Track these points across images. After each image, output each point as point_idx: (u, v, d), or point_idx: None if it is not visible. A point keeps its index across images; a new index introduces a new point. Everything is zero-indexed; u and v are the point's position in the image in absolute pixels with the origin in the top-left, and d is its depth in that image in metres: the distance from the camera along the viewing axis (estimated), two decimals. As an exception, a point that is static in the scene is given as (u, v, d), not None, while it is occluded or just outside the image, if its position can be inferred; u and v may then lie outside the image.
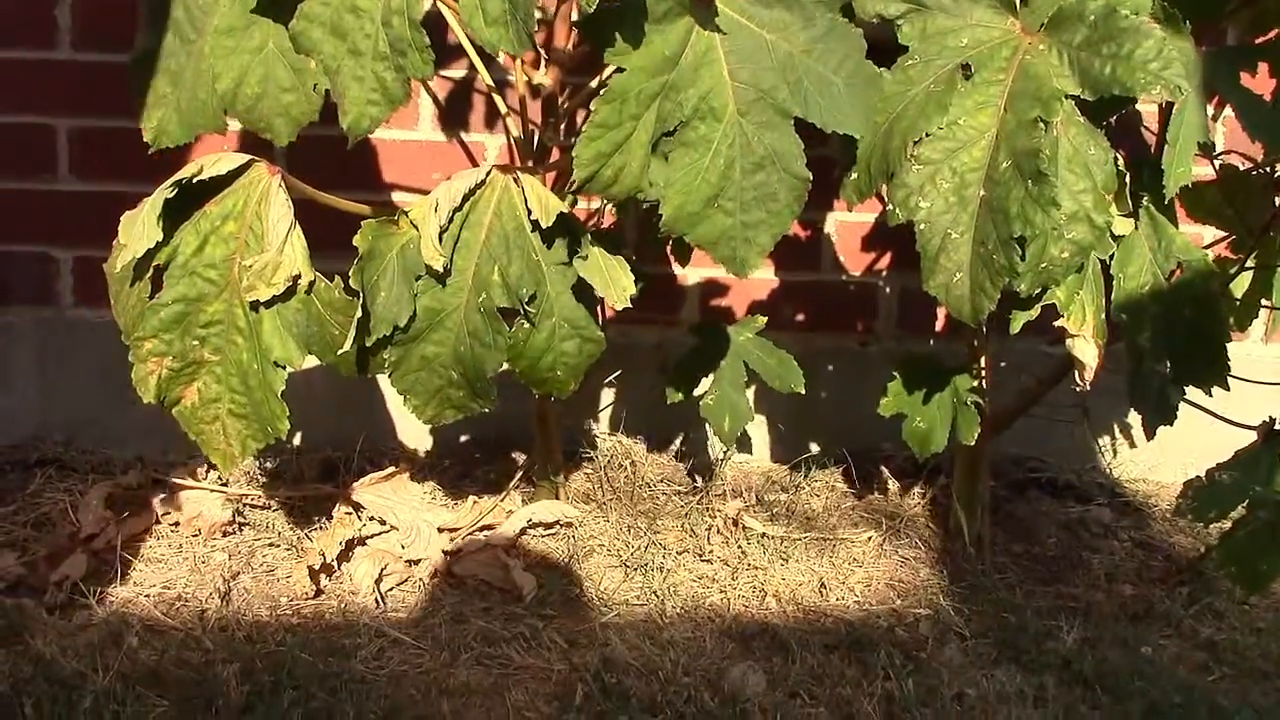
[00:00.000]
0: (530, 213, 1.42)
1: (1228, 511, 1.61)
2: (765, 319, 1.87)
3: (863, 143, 1.40)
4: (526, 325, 1.46)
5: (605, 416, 2.09)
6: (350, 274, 1.41)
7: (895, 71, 1.39)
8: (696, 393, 1.85)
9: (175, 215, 1.39)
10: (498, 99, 1.65)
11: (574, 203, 1.46)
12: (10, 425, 1.98)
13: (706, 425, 2.01)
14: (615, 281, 1.45)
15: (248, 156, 1.43)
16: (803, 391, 1.82)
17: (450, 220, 1.41)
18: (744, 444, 2.05)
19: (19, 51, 1.92)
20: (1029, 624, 1.65)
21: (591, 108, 1.33)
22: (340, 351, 1.42)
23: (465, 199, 1.42)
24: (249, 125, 1.46)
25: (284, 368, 1.43)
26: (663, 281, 2.04)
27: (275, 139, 1.45)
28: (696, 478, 2.00)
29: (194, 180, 1.38)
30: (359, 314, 1.40)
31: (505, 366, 1.49)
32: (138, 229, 1.37)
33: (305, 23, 1.31)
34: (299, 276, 1.40)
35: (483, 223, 1.43)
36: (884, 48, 1.42)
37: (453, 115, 1.98)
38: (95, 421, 1.97)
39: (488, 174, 1.45)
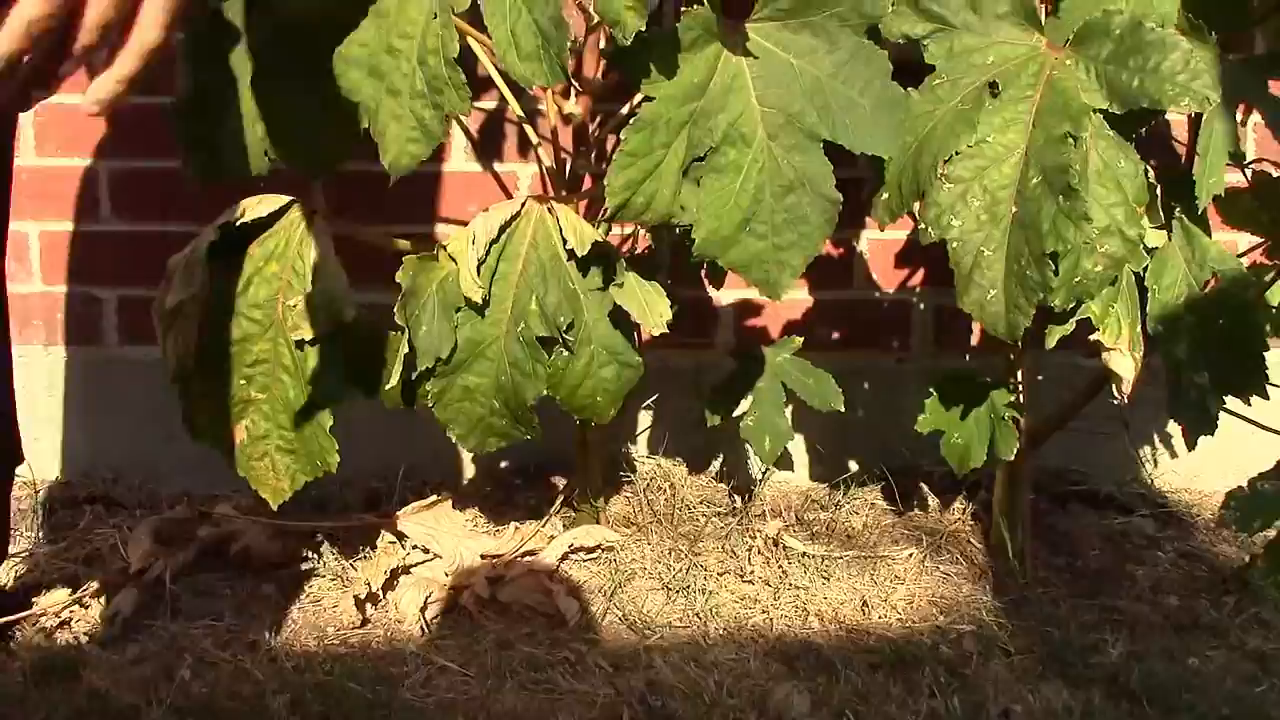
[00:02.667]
0: (565, 242, 1.44)
1: (1272, 520, 1.60)
2: (801, 339, 1.87)
3: (892, 163, 1.42)
4: (565, 353, 1.47)
5: (643, 439, 2.10)
6: (395, 310, 1.43)
7: (923, 91, 1.40)
8: (735, 414, 1.86)
9: (220, 257, 1.42)
10: (529, 129, 1.67)
11: (608, 229, 1.48)
12: (59, 463, 2.02)
13: (745, 446, 2.02)
14: (651, 307, 1.47)
15: (288, 198, 1.46)
16: (842, 409, 1.83)
17: (487, 252, 1.44)
18: (782, 463, 2.06)
19: (60, 96, 1.96)
20: (1074, 638, 1.65)
21: (622, 136, 1.34)
22: (387, 387, 1.44)
23: (501, 231, 1.44)
24: (288, 163, 1.49)
25: (330, 404, 1.45)
26: (698, 304, 2.05)
27: (313, 177, 1.48)
28: (736, 498, 2.01)
29: (237, 223, 1.41)
30: (404, 349, 1.42)
31: (545, 393, 1.51)
32: (184, 272, 1.40)
33: (343, 65, 1.34)
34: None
35: (519, 254, 1.45)
36: (911, 68, 1.43)
37: (485, 146, 2.00)
38: (141, 457, 2.00)
39: (523, 205, 1.47)
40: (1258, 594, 1.75)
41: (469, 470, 2.07)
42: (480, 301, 1.44)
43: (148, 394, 1.88)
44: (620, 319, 1.48)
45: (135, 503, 1.95)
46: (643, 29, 1.28)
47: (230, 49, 1.46)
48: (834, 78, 1.36)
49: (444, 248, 1.47)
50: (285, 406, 1.46)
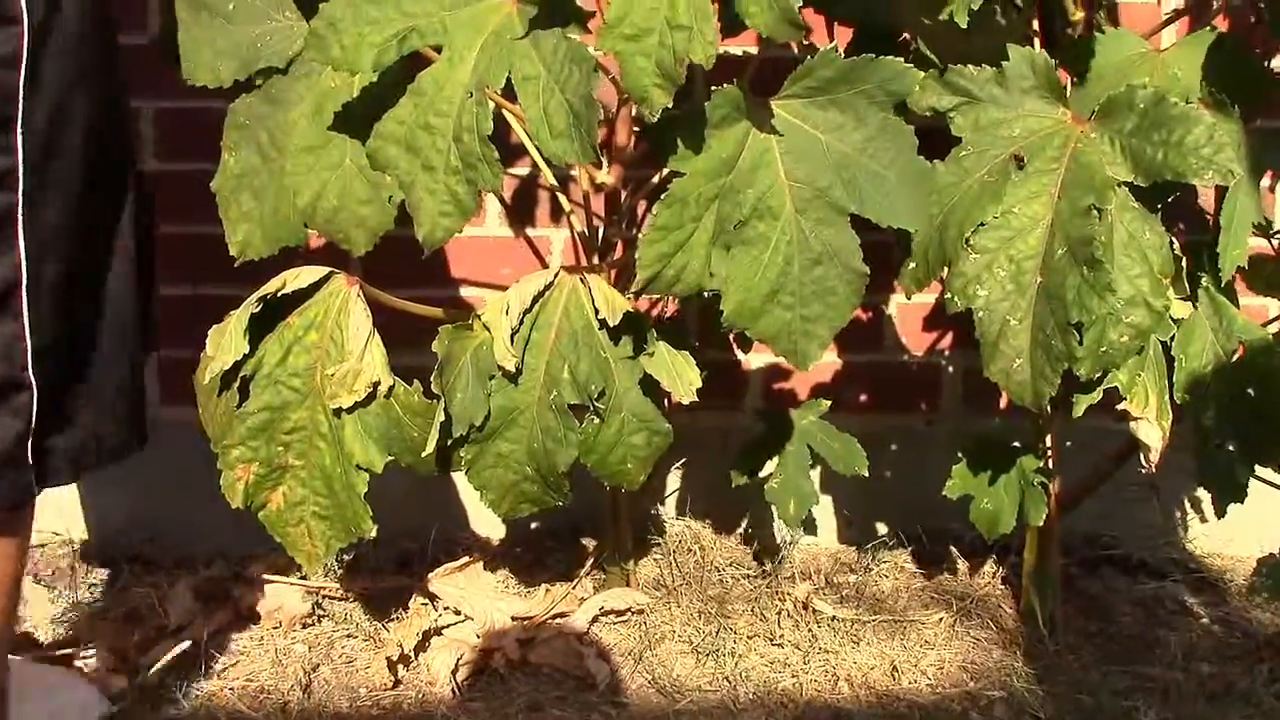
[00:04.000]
0: (598, 311, 1.47)
1: (1303, 587, 1.60)
2: (829, 402, 1.89)
3: (919, 233, 1.43)
4: (596, 420, 1.49)
5: (672, 502, 2.11)
6: (432, 379, 1.46)
7: (949, 163, 1.42)
8: (761, 475, 1.87)
9: (259, 327, 1.46)
10: (561, 197, 1.70)
11: (638, 295, 1.50)
12: (98, 523, 2.04)
13: (773, 508, 2.03)
14: (681, 376, 1.49)
15: (328, 269, 1.50)
16: (866, 474, 1.84)
17: (521, 322, 1.46)
18: (811, 526, 2.06)
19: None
20: (1106, 704, 1.64)
21: (653, 211, 1.37)
22: (424, 454, 1.46)
23: (535, 300, 1.47)
24: (328, 236, 1.53)
25: (366, 471, 1.48)
26: (727, 367, 2.06)
27: (353, 249, 1.51)
28: (765, 561, 2.01)
29: (278, 295, 1.44)
30: (440, 416, 1.45)
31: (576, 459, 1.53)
32: (225, 341, 1.43)
33: (380, 141, 1.37)
34: (379, 383, 1.45)
35: (552, 323, 1.48)
36: (938, 135, 1.45)
37: (518, 212, 2.03)
38: (178, 517, 2.02)
39: (556, 275, 1.50)
40: (1292, 661, 1.74)
41: (500, 531, 2.08)
42: (514, 370, 1.46)
43: (186, 454, 1.90)
44: (650, 386, 1.50)
45: (171, 562, 1.97)
46: (669, 105, 1.31)
47: (273, 126, 1.50)
48: (861, 153, 1.39)
49: (479, 316, 1.50)
50: (322, 473, 1.49)
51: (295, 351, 1.47)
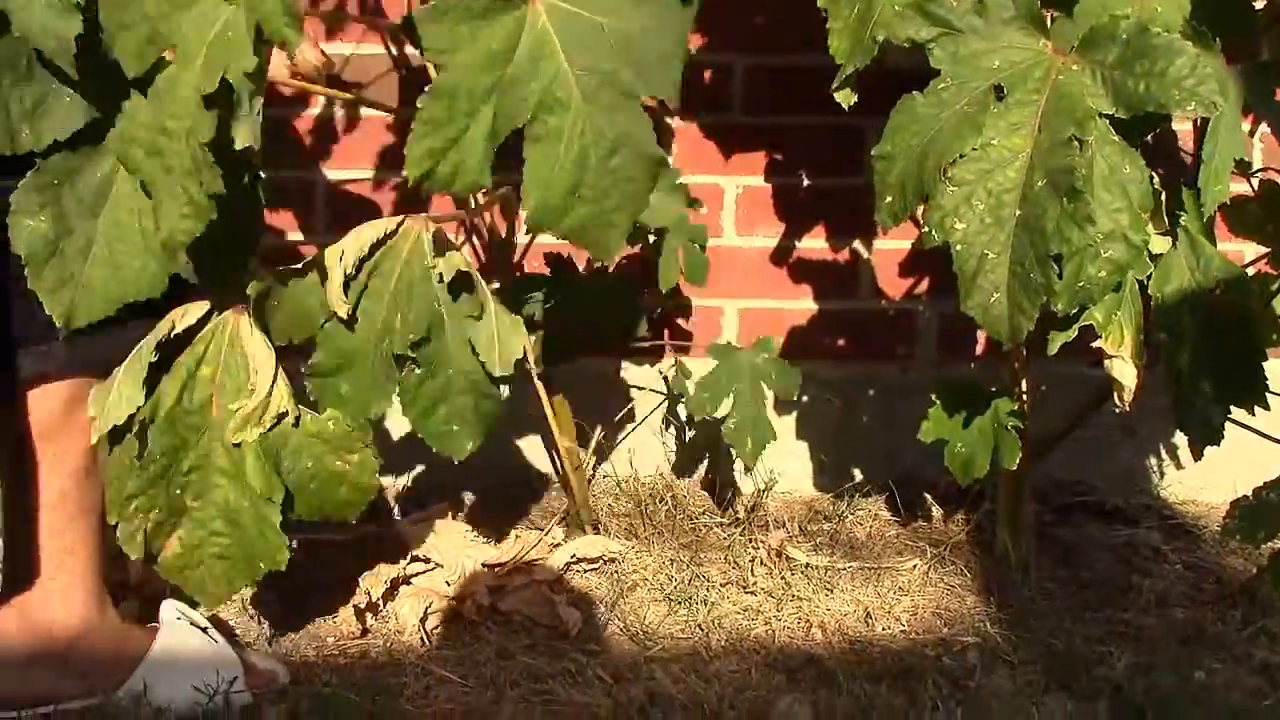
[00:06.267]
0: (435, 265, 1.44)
1: (1278, 531, 1.59)
2: (780, 339, 1.86)
3: (897, 165, 1.41)
4: (416, 370, 1.46)
5: (646, 451, 2.09)
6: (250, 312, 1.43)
7: (928, 94, 1.40)
8: (719, 414, 1.85)
9: (159, 372, 1.42)
10: None
11: (416, 192, 1.43)
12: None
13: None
14: (503, 343, 1.44)
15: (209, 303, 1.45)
16: (795, 396, 1.83)
17: (359, 269, 1.43)
18: (785, 474, 2.05)
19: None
20: (1078, 650, 1.63)
21: (418, 105, 1.32)
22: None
23: (375, 247, 1.43)
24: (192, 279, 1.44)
25: (277, 502, 1.44)
26: (703, 314, 2.05)
27: (215, 287, 1.45)
28: (738, 509, 2.00)
29: (171, 336, 1.40)
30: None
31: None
32: (112, 399, 1.39)
33: (124, 144, 1.32)
34: (285, 414, 1.42)
35: (395, 271, 1.44)
36: (916, 76, 1.43)
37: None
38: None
39: (400, 223, 1.45)
40: (1265, 606, 1.74)
41: (469, 481, 2.06)
42: (345, 316, 1.43)
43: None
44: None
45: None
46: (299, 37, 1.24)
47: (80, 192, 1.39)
48: (646, 31, 1.33)
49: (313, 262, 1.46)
50: (221, 511, 1.44)
51: (189, 388, 1.42)
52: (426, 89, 1.31)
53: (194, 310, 1.43)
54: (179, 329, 1.42)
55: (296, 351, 1.45)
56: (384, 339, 1.44)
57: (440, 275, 1.43)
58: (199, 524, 1.45)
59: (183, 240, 1.31)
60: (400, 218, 1.47)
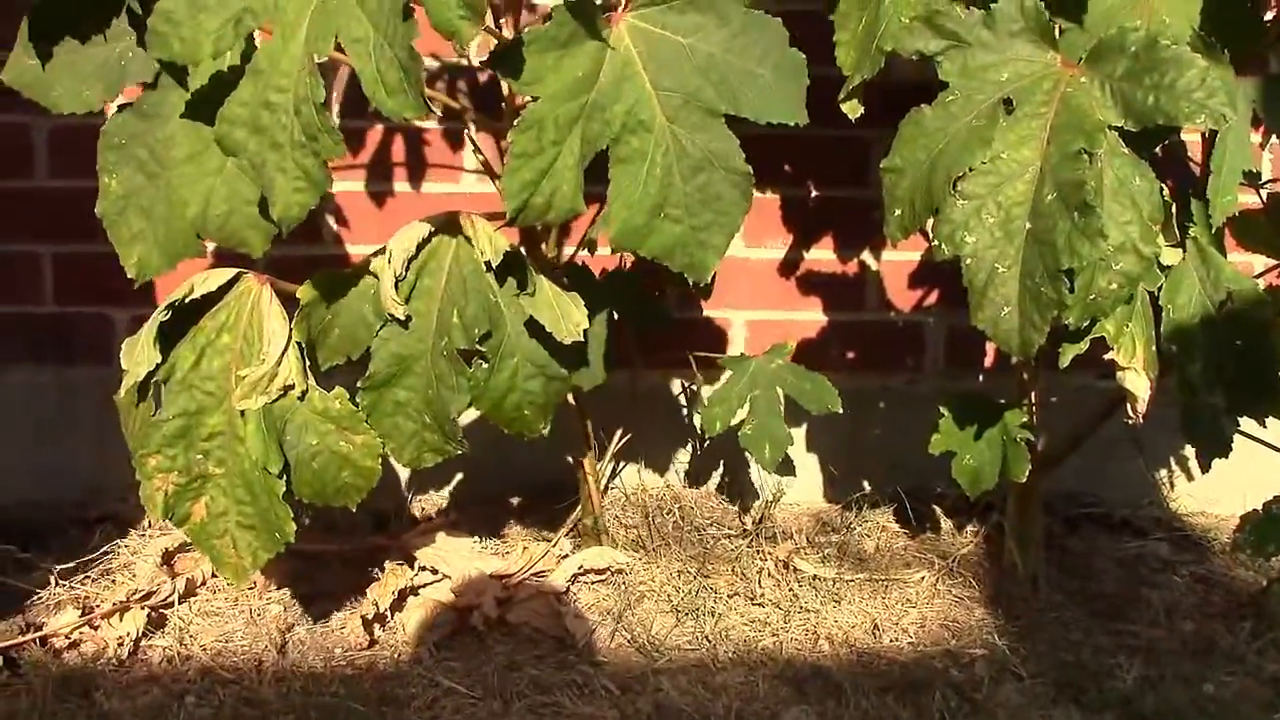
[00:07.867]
0: (484, 253, 1.44)
1: (1287, 544, 1.59)
2: (794, 344, 1.86)
3: (905, 178, 1.41)
4: (484, 366, 1.47)
5: (653, 462, 2.09)
6: (294, 323, 1.44)
7: (936, 107, 1.40)
8: (734, 423, 1.84)
9: (172, 334, 1.43)
10: (473, 143, 1.66)
11: (512, 225, 1.44)
12: (72, 481, 2.01)
13: (753, 468, 2.01)
14: (567, 316, 1.46)
15: (235, 270, 1.46)
16: (839, 410, 1.81)
17: (407, 269, 1.44)
18: (793, 485, 2.05)
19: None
20: (1087, 663, 1.63)
21: (509, 139, 1.34)
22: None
23: (420, 246, 1.44)
24: (223, 243, 1.48)
25: (274, 473, 1.44)
26: (709, 325, 2.04)
27: (251, 252, 1.46)
28: (746, 520, 1.99)
29: (187, 300, 1.41)
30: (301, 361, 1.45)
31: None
32: (138, 353, 1.40)
33: (226, 125, 1.33)
34: (292, 386, 1.43)
35: (443, 268, 1.45)
36: (925, 86, 1.43)
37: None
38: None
39: (442, 222, 1.47)
40: (1274, 619, 1.73)
41: (476, 491, 2.06)
42: (402, 317, 1.44)
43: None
44: (540, 331, 1.47)
45: (146, 522, 1.94)
46: (477, 36, 1.27)
47: (153, 141, 1.45)
48: (728, 51, 1.35)
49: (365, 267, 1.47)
50: (243, 480, 1.45)
51: (208, 355, 1.43)
52: (515, 122, 1.33)
53: (215, 276, 1.45)
54: (197, 294, 1.43)
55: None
56: (443, 337, 1.45)
57: (489, 263, 1.44)
58: (223, 492, 1.46)
59: (298, 215, 1.33)
60: (443, 214, 1.48)
